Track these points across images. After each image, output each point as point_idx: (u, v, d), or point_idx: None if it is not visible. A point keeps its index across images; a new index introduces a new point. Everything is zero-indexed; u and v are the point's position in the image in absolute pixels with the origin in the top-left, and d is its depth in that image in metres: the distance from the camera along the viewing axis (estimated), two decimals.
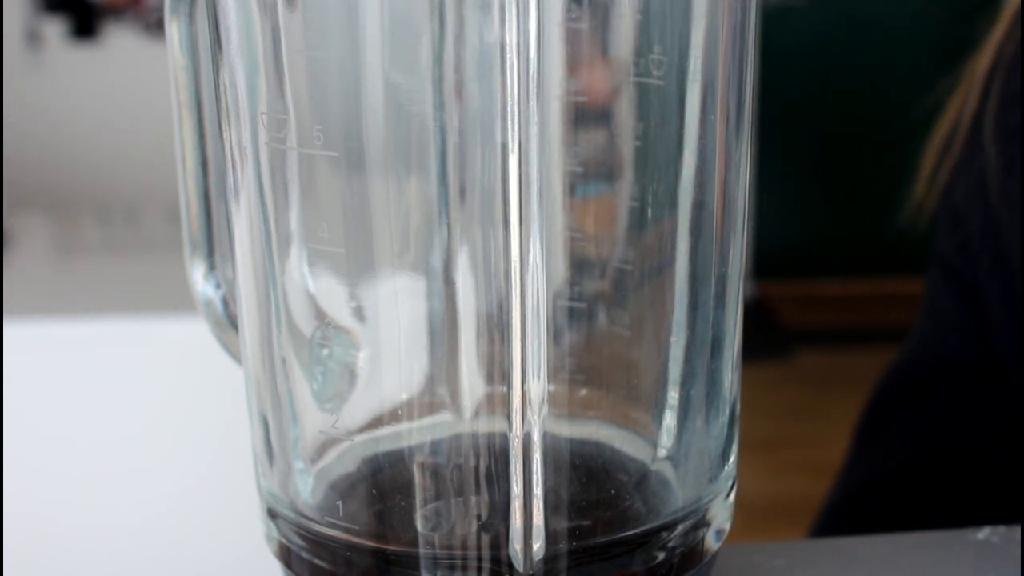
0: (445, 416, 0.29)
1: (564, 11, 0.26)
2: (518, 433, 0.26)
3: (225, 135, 0.29)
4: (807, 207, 3.26)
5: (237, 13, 0.27)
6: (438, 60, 0.26)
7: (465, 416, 0.29)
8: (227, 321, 0.35)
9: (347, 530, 0.28)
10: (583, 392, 0.30)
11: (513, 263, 0.25)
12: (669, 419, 0.30)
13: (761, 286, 3.11)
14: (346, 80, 0.27)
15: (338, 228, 0.28)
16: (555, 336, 0.30)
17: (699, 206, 0.28)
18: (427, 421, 0.29)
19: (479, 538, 0.27)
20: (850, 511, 0.64)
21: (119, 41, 1.98)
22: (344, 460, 0.30)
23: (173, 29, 0.32)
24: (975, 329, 0.57)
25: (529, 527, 0.27)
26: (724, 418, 0.30)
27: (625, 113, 0.28)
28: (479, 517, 0.27)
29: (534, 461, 0.27)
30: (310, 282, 0.28)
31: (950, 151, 0.56)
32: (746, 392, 0.33)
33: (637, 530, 0.28)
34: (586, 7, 0.27)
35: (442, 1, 0.25)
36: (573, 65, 0.27)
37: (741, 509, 0.34)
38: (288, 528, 0.29)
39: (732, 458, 0.31)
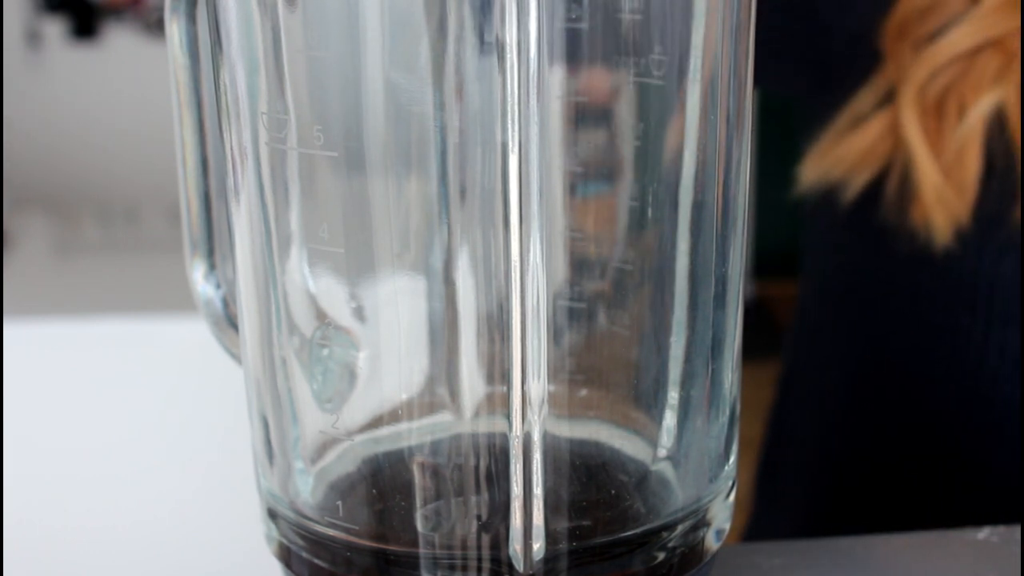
0: (445, 416, 0.29)
1: (564, 11, 0.26)
2: (518, 433, 0.26)
3: (225, 135, 0.29)
4: None
5: (237, 13, 0.27)
6: (438, 60, 0.26)
7: (465, 416, 0.29)
8: (227, 321, 0.35)
9: (347, 530, 0.28)
10: (583, 392, 0.30)
11: (513, 263, 0.25)
12: (669, 419, 0.30)
13: (761, 286, 3.10)
14: (346, 80, 0.27)
15: (338, 228, 0.28)
16: (555, 336, 0.30)
17: (699, 206, 0.28)
18: (427, 421, 0.29)
19: (479, 538, 0.27)
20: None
21: (119, 41, 1.98)
22: (344, 460, 0.30)
23: (173, 29, 0.32)
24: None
25: (529, 527, 0.27)
26: (724, 418, 0.30)
27: (625, 113, 0.28)
28: (479, 517, 0.27)
29: (534, 461, 0.27)
30: (310, 282, 0.28)
31: None
32: (746, 392, 0.33)
33: (637, 530, 0.28)
34: (586, 7, 0.27)
35: (442, 1, 0.25)
36: (573, 65, 0.27)
37: (741, 509, 0.34)
38: (288, 528, 0.29)
39: (732, 458, 0.31)
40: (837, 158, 0.53)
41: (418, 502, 0.28)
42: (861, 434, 0.58)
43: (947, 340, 0.53)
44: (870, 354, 0.57)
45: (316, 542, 0.29)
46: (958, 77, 0.49)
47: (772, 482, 0.63)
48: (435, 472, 0.28)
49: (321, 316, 0.29)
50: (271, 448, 0.30)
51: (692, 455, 0.30)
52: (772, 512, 0.62)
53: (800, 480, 0.62)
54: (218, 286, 0.35)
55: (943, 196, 0.49)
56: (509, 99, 0.25)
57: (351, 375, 0.29)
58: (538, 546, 0.27)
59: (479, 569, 0.27)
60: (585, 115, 0.28)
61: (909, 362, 0.55)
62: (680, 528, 0.29)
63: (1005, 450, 0.53)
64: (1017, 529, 0.38)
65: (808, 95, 0.60)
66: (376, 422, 0.29)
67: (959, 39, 0.49)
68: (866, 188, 0.53)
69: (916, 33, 0.51)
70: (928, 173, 0.49)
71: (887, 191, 0.52)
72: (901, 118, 0.50)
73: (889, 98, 0.52)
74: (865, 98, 0.53)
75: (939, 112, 0.50)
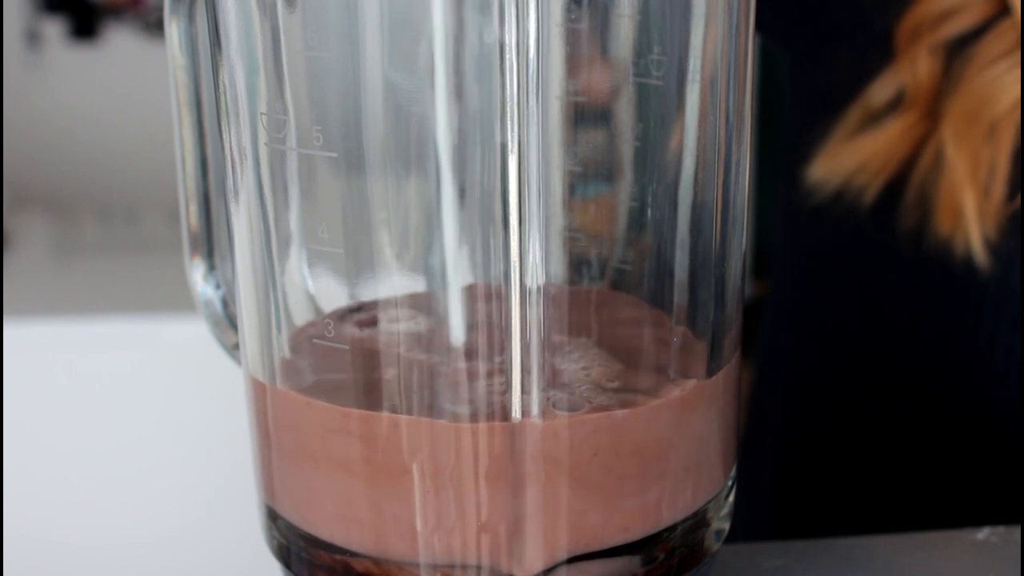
0: (444, 417, 0.29)
1: (564, 11, 0.26)
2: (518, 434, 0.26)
3: (225, 135, 0.29)
4: None
5: (237, 13, 0.27)
6: (438, 60, 0.26)
7: (465, 420, 0.29)
8: (227, 321, 0.35)
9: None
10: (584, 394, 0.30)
11: (513, 263, 0.25)
12: None
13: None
14: (346, 80, 0.27)
15: (338, 228, 0.28)
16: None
17: (699, 206, 0.28)
18: (426, 424, 0.29)
19: (479, 540, 0.27)
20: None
21: (119, 41, 1.98)
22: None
23: (173, 29, 0.32)
24: None
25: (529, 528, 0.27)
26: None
27: (625, 113, 0.28)
28: (479, 519, 0.27)
29: (534, 462, 0.27)
30: (310, 282, 0.28)
31: None
32: (746, 392, 0.33)
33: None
34: (586, 7, 0.27)
35: (442, 1, 0.25)
36: (573, 65, 0.27)
37: None
38: (288, 528, 0.29)
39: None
40: (853, 159, 0.53)
41: (417, 504, 0.28)
42: (855, 430, 0.58)
43: (952, 340, 0.53)
44: (869, 351, 0.57)
45: (316, 542, 0.29)
46: (1004, 109, 0.49)
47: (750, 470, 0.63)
48: (434, 476, 0.28)
49: (321, 316, 0.28)
50: (270, 447, 0.30)
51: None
52: (748, 500, 0.62)
53: (778, 475, 0.62)
54: (217, 286, 0.35)
55: (983, 213, 0.50)
56: (509, 99, 0.25)
57: None
58: (538, 547, 0.27)
59: (479, 570, 0.27)
60: (585, 115, 0.28)
61: (910, 360, 0.55)
62: (680, 528, 0.29)
63: (1005, 451, 0.53)
64: (1017, 529, 0.38)
65: (803, 51, 0.59)
66: (375, 423, 0.29)
67: (1011, 84, 0.49)
68: (882, 191, 0.53)
69: (931, 38, 0.51)
70: (972, 195, 0.49)
71: (906, 197, 0.52)
72: (945, 142, 0.50)
73: (903, 99, 0.52)
74: (876, 94, 0.53)
75: (976, 130, 0.50)
